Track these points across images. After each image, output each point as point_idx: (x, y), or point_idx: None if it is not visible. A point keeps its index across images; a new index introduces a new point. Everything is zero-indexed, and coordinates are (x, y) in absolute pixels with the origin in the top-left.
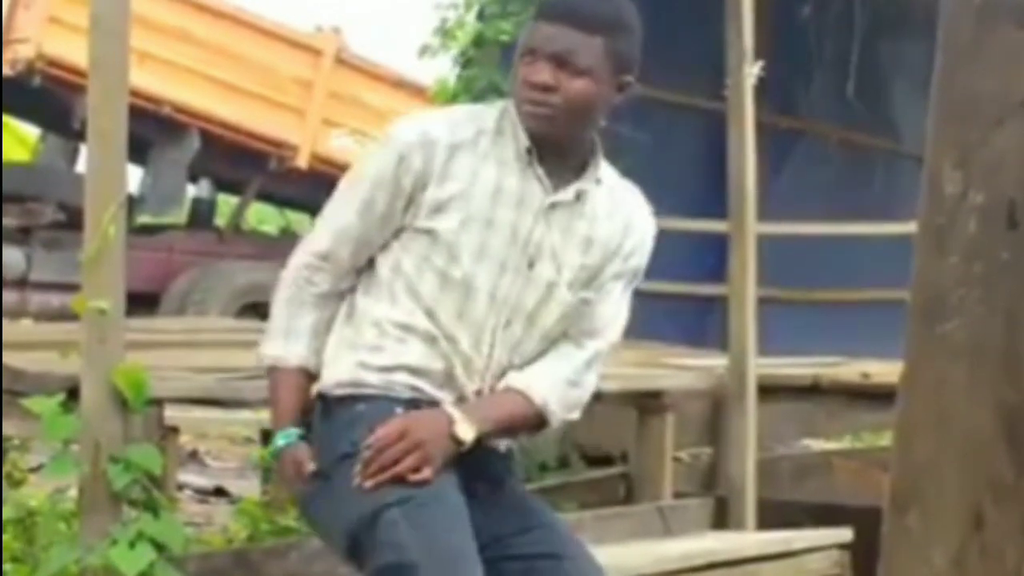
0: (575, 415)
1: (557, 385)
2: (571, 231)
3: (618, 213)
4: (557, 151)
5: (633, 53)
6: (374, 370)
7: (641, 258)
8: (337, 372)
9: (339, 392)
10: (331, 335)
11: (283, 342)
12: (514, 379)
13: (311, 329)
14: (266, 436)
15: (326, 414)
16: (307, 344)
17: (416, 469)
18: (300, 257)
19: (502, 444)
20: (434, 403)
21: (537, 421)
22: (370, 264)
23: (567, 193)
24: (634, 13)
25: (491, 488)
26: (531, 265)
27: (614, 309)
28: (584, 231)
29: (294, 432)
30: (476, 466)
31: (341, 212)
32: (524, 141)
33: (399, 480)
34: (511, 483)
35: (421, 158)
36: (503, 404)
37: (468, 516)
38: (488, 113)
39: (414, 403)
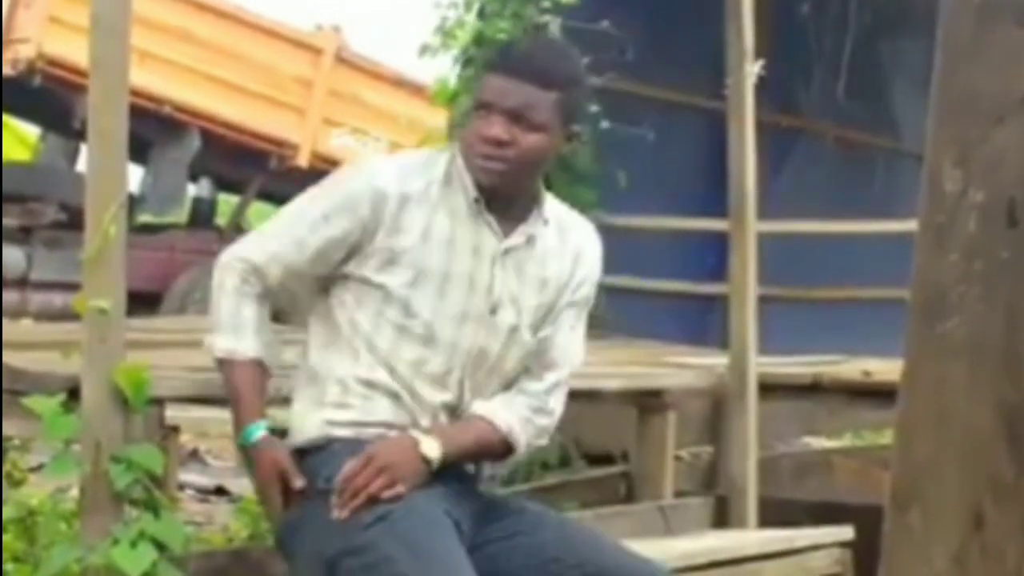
0: (542, 441)
1: (521, 415)
2: (526, 274)
3: (567, 247)
4: (505, 199)
5: (584, 106)
6: (343, 425)
7: (591, 287)
8: (306, 431)
9: (310, 447)
10: (295, 399)
11: (233, 336)
12: (478, 407)
13: (256, 321)
14: None
15: (299, 459)
16: (255, 336)
17: (388, 487)
18: (238, 254)
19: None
20: None
21: (503, 448)
22: (328, 318)
23: (518, 237)
24: (583, 66)
25: (470, 506)
26: (493, 312)
27: (569, 338)
28: (538, 272)
29: (263, 424)
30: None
31: (282, 235)
32: (472, 191)
33: (374, 501)
34: (487, 494)
35: (370, 207)
36: (468, 429)
37: (451, 525)
38: (438, 161)
39: None
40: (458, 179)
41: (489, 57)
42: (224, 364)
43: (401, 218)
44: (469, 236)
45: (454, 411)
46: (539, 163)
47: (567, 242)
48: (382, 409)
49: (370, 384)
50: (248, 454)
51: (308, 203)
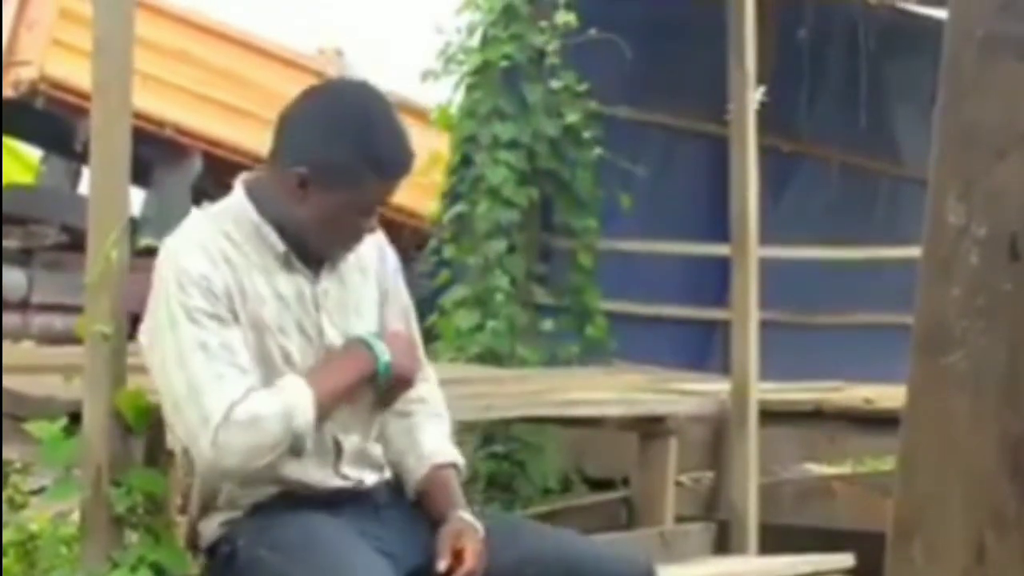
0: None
1: (447, 436)
2: (344, 305)
3: (368, 264)
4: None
5: None
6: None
7: (403, 288)
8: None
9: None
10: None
11: (288, 400)
12: (433, 455)
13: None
14: None
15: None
16: (289, 379)
17: None
18: (214, 424)
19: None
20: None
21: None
22: None
23: (330, 276)
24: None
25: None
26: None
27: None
28: (354, 299)
29: (368, 338)
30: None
31: (204, 373)
32: (280, 247)
33: None
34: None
35: (222, 279)
36: (454, 482)
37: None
38: (228, 223)
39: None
40: (261, 237)
41: (370, 160)
42: (318, 404)
43: (230, 287)
44: (289, 288)
45: (338, 451)
46: None
47: (364, 259)
48: (290, 467)
49: None
50: (396, 369)
51: (189, 330)
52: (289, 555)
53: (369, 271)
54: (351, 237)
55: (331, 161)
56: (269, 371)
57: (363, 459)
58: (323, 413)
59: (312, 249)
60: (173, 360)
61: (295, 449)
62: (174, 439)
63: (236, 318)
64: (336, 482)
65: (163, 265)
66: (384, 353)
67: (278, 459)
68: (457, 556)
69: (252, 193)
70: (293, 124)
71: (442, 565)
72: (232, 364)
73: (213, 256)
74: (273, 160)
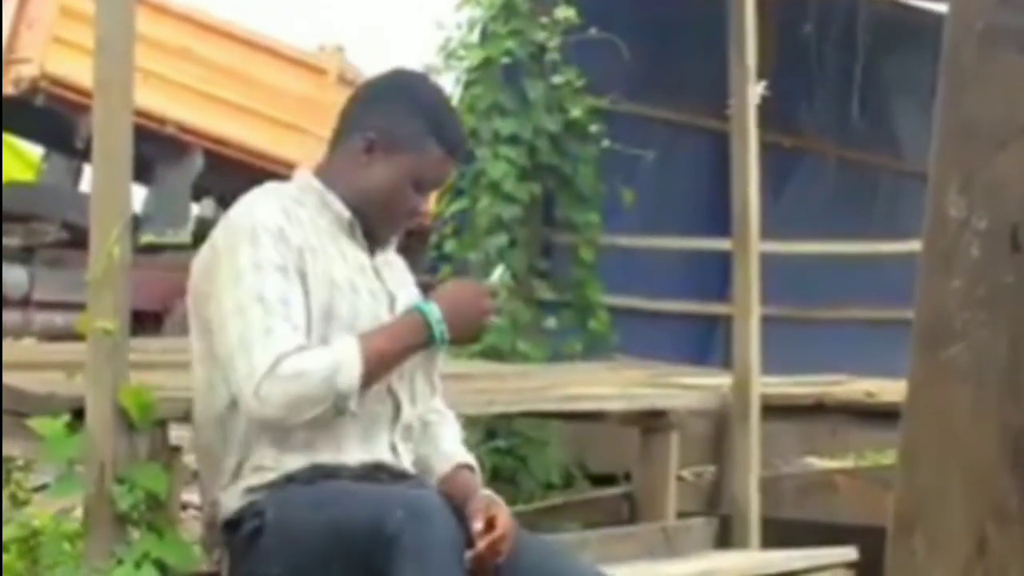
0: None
1: (461, 442)
2: (396, 282)
3: (394, 263)
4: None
5: None
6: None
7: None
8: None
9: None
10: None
11: (338, 359)
12: (455, 455)
13: (326, 346)
14: None
15: None
16: (339, 340)
17: None
18: (260, 371)
19: None
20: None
21: None
22: None
23: (382, 256)
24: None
25: None
26: (392, 310)
27: None
28: (399, 281)
29: (420, 305)
30: None
31: (265, 319)
32: (346, 213)
33: None
34: None
35: (296, 237)
36: (476, 478)
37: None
38: (295, 193)
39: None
40: (327, 206)
41: (433, 129)
42: (365, 364)
43: (303, 250)
44: (353, 255)
45: (397, 413)
46: None
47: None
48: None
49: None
50: (452, 330)
51: (252, 280)
52: (320, 508)
53: (395, 269)
54: (407, 213)
55: (398, 124)
56: (336, 328)
57: (408, 437)
58: (371, 376)
59: (372, 220)
60: (231, 311)
61: (339, 407)
62: (224, 391)
63: (303, 277)
64: (382, 454)
65: (237, 216)
66: (440, 322)
67: (324, 413)
68: (490, 523)
69: (315, 171)
70: (359, 103)
71: (478, 524)
72: (286, 319)
73: (289, 212)
74: (335, 143)
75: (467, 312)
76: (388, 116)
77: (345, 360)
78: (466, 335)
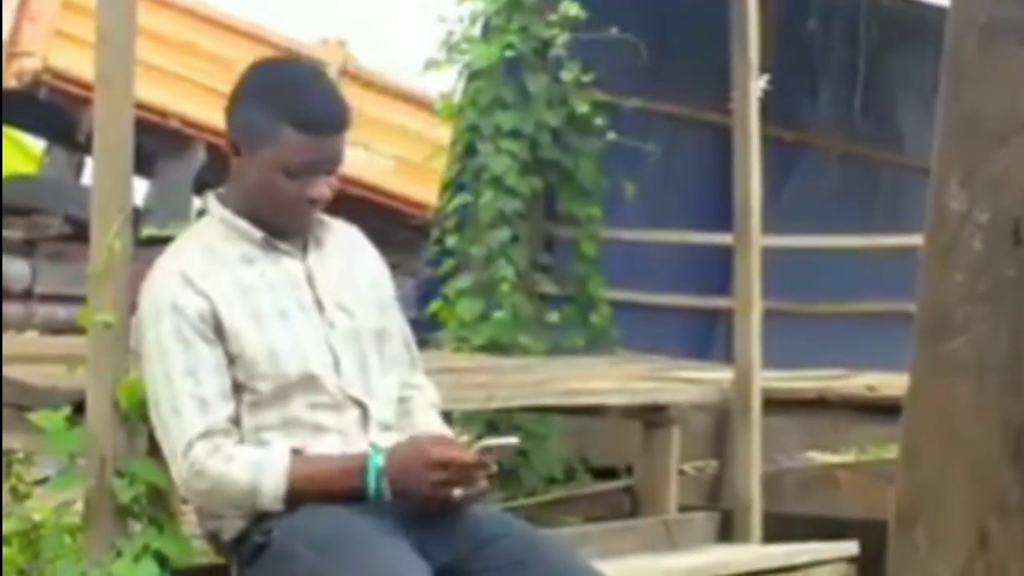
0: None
1: (440, 422)
2: (339, 277)
3: (349, 249)
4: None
5: None
6: None
7: (388, 282)
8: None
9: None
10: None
11: (262, 474)
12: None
13: (258, 450)
14: None
15: None
16: (271, 450)
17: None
18: (182, 451)
19: None
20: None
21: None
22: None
23: (318, 252)
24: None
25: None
26: (332, 327)
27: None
28: (345, 275)
29: (371, 455)
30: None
31: (180, 396)
32: (257, 233)
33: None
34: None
35: (194, 305)
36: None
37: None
38: (204, 233)
39: None
40: (234, 229)
41: (286, 114)
42: (289, 491)
43: (213, 293)
44: (276, 271)
45: (364, 416)
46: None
47: (341, 238)
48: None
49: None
50: (395, 487)
51: (159, 361)
52: (326, 553)
53: (352, 256)
54: (295, 203)
55: (252, 119)
56: (285, 364)
57: (388, 427)
58: (295, 497)
59: (269, 221)
60: (150, 380)
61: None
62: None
63: (219, 330)
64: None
65: (145, 291)
66: (379, 478)
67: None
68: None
69: (219, 195)
70: (226, 109)
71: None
72: (192, 396)
73: (199, 264)
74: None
75: (414, 479)
76: (244, 114)
77: (268, 480)
78: (411, 498)
